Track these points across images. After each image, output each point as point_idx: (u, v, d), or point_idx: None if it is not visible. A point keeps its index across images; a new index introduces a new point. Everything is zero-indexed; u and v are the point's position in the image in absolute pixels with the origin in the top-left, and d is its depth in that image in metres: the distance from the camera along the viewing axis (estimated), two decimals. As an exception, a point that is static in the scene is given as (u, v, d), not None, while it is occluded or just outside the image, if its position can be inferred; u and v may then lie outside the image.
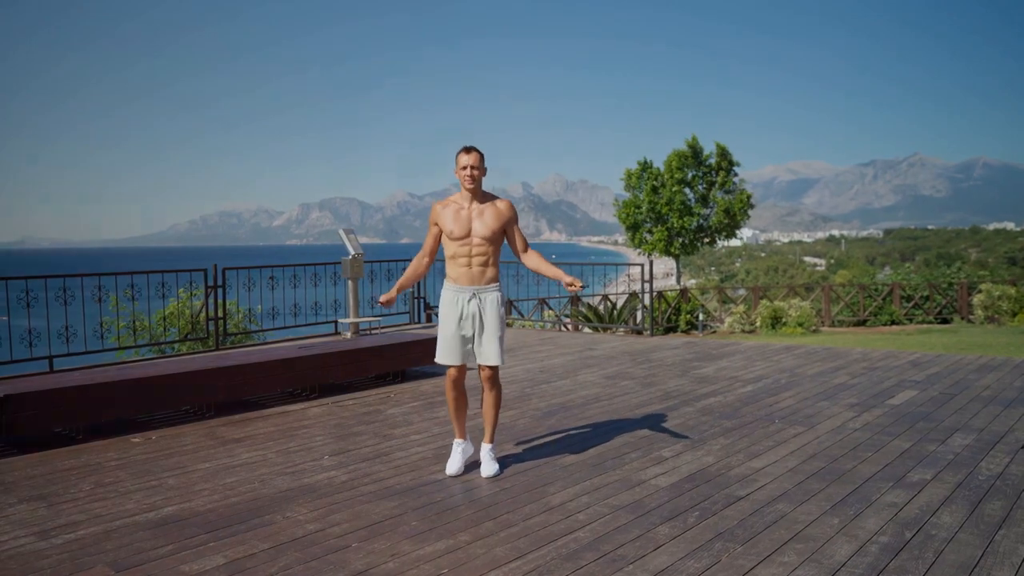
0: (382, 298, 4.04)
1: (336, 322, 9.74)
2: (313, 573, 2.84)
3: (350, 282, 9.23)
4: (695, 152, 30.07)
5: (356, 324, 9.17)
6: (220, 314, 8.60)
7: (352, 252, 9.26)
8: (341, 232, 9.64)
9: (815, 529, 3.21)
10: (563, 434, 4.83)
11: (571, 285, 3.84)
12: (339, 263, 9.41)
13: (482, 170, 3.98)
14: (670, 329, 16.92)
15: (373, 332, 9.39)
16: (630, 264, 11.81)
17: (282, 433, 4.94)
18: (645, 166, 30.56)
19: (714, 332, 16.91)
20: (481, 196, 4.01)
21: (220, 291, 8.55)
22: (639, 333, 11.35)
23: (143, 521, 3.39)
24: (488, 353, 3.99)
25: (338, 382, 6.38)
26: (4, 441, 4.65)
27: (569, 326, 14.05)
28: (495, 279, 4.03)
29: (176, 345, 10.34)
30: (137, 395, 5.13)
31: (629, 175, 30.67)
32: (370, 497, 3.67)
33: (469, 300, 3.98)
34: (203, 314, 8.71)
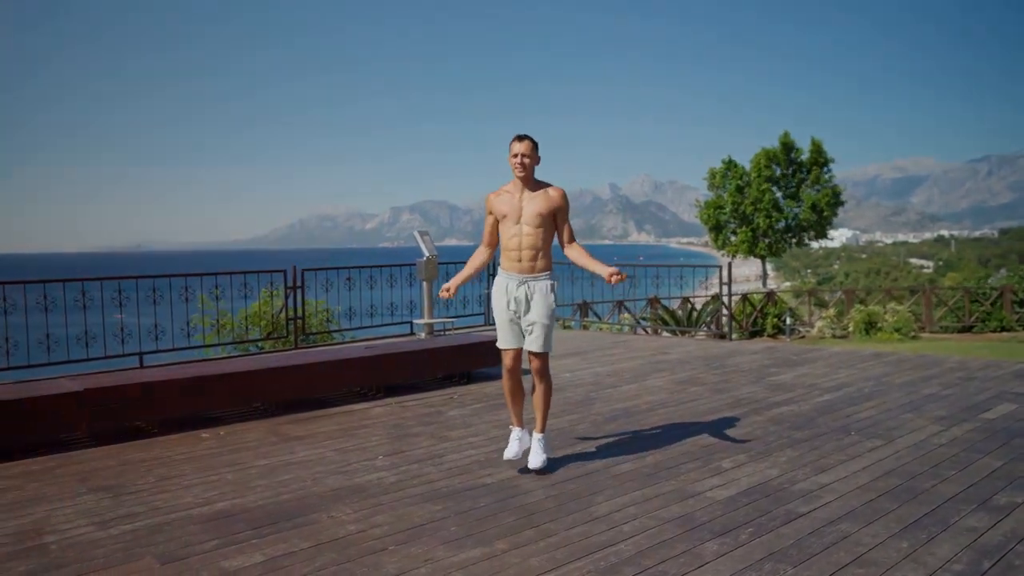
0: (442, 289, 4.14)
1: (411, 323, 9.89)
2: (346, 575, 2.84)
3: (424, 283, 9.36)
4: (788, 149, 28.95)
5: (430, 325, 9.28)
6: (299, 314, 8.88)
7: (427, 254, 9.38)
8: (416, 235, 9.81)
9: (879, 553, 2.97)
10: (622, 441, 4.68)
11: (615, 275, 3.86)
12: (414, 264, 9.55)
13: (534, 158, 4.01)
14: (755, 333, 16.33)
15: (447, 333, 9.47)
16: (707, 266, 11.43)
17: (343, 432, 5.01)
18: (730, 165, 29.66)
19: (802, 337, 16.21)
20: (533, 184, 4.04)
21: (299, 292, 8.82)
22: (721, 337, 10.98)
23: (196, 515, 3.49)
24: (533, 339, 4.02)
25: (404, 382, 6.44)
26: (85, 432, 4.90)
27: (648, 329, 13.78)
28: (546, 269, 4.06)
29: (259, 344, 10.74)
30: (209, 391, 5.32)
31: (713, 174, 29.84)
32: (416, 499, 3.66)
33: (518, 286, 4.02)
34: (283, 314, 9.01)
